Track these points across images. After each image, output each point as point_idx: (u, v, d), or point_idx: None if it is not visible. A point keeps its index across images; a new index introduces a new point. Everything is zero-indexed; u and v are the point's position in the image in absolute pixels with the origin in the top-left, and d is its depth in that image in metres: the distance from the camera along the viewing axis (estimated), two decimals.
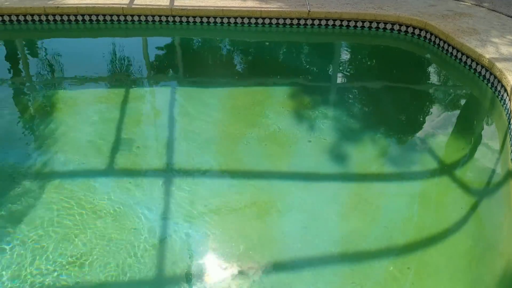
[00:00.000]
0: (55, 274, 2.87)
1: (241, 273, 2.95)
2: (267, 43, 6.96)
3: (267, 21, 6.97)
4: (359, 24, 6.87)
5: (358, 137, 4.45)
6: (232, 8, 6.93)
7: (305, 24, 6.95)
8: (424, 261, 3.08)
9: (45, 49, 6.70)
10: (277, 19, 6.95)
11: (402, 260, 3.11)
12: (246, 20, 6.98)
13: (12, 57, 6.48)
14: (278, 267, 3.01)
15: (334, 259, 3.10)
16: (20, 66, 6.15)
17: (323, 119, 4.69)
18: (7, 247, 3.04)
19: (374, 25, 6.84)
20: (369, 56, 6.77)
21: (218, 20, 6.98)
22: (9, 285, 2.79)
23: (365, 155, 4.18)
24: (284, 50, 6.82)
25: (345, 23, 6.88)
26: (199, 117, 4.69)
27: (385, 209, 3.53)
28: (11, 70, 6.00)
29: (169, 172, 3.86)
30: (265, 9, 6.93)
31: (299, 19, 6.93)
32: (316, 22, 6.92)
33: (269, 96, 5.15)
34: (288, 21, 6.96)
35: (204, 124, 4.53)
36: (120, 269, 2.93)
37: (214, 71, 5.88)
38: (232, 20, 6.99)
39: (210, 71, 5.88)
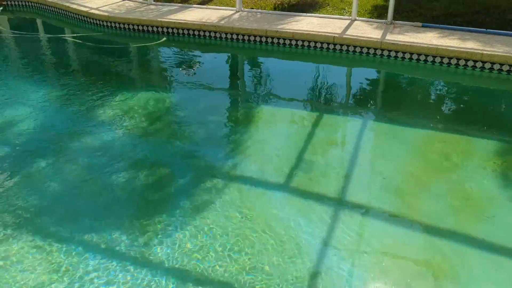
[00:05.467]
0: (219, 268, 3.07)
1: None
2: (483, 89, 6.20)
3: (487, 65, 6.25)
4: None
5: None
6: (448, 48, 6.44)
7: None
8: None
9: (259, 66, 7.41)
10: (501, 64, 6.16)
11: None
12: (462, 62, 6.39)
13: (233, 70, 7.36)
14: None
15: None
16: (237, 79, 6.93)
17: None
18: (184, 231, 3.40)
19: None
20: None
21: (430, 58, 6.58)
22: (177, 259, 3.11)
23: None
24: (502, 99, 5.97)
25: None
26: (387, 155, 4.45)
27: None
28: (229, 82, 6.81)
29: (341, 203, 3.75)
30: (488, 52, 6.21)
31: None
32: None
33: (471, 148, 4.55)
34: None
35: (390, 163, 4.27)
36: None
37: (414, 111, 5.51)
38: (445, 60, 6.49)
39: (411, 110, 5.53)
